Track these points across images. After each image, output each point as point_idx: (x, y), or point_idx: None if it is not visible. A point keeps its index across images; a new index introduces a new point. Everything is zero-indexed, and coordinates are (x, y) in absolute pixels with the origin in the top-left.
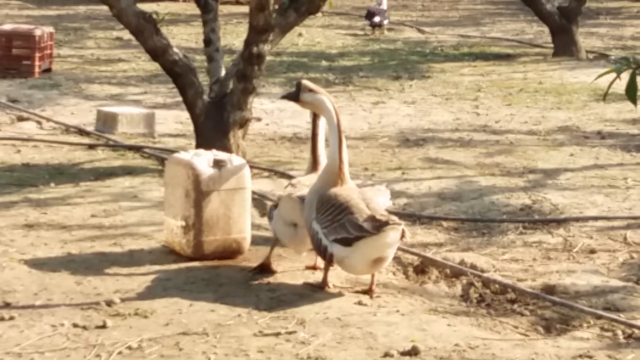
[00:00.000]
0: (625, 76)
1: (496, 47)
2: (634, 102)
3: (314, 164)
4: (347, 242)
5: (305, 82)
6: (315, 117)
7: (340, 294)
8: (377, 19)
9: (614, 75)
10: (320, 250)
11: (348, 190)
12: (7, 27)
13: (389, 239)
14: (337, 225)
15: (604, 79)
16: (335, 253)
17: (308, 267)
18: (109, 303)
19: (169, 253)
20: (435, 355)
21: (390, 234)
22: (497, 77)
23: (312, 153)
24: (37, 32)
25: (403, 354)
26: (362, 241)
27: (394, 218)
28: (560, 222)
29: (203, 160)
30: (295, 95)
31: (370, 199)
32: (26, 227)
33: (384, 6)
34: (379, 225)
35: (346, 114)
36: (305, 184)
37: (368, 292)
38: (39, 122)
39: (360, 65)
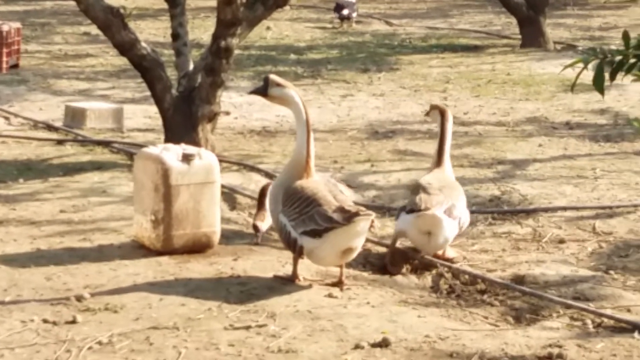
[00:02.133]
0: (593, 67)
1: (464, 38)
2: (601, 92)
3: (438, 161)
4: (316, 234)
5: (273, 76)
6: (443, 119)
7: (310, 287)
8: (345, 11)
9: (581, 66)
10: (289, 243)
11: (314, 183)
12: None
13: (359, 229)
14: (305, 217)
15: (572, 70)
16: (304, 245)
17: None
18: (79, 298)
19: (138, 247)
20: (405, 347)
21: (361, 224)
22: (465, 69)
23: (438, 151)
24: (4, 28)
25: (374, 345)
26: (332, 232)
27: (363, 209)
28: (529, 212)
29: (172, 154)
30: (263, 90)
31: (337, 190)
32: None
33: None
34: (349, 216)
35: (315, 107)
36: (436, 187)
37: (338, 284)
38: (6, 118)
39: (328, 58)
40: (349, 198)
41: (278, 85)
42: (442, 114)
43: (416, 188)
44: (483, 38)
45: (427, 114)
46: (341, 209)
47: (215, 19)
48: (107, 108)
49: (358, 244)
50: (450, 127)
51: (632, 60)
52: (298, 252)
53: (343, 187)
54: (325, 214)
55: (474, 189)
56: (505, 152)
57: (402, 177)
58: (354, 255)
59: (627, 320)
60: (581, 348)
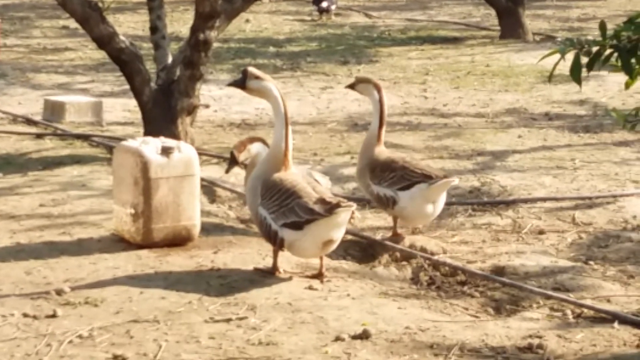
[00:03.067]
0: (571, 57)
1: (443, 30)
2: (578, 82)
3: (378, 139)
4: (297, 226)
5: (251, 69)
6: (380, 94)
7: (290, 279)
8: (324, 4)
9: (558, 56)
10: (270, 235)
11: (293, 175)
12: None
13: (340, 220)
14: (285, 209)
15: (550, 60)
16: (285, 237)
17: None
18: (59, 292)
19: (118, 241)
20: (386, 339)
21: (342, 215)
22: (444, 61)
23: (379, 128)
24: None
25: (354, 337)
26: (314, 224)
27: (344, 200)
28: (509, 203)
29: (151, 147)
30: (241, 83)
31: (315, 183)
32: None
33: None
34: (330, 208)
35: (294, 99)
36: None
37: (319, 276)
38: None
39: (307, 50)
40: (327, 189)
41: (256, 77)
42: (378, 89)
43: (393, 163)
44: (462, 30)
45: (353, 86)
46: (322, 201)
47: (194, 12)
48: (87, 102)
49: (338, 236)
50: (385, 102)
51: (609, 51)
52: (279, 244)
53: (320, 176)
54: (306, 205)
55: None
56: (484, 144)
57: None
58: (334, 246)
59: (607, 311)
60: (561, 338)
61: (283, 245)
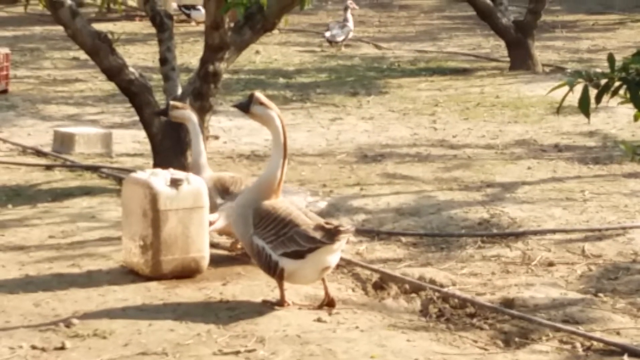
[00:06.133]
0: (580, 89)
1: (453, 61)
2: (587, 115)
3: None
4: (298, 255)
5: (258, 94)
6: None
7: (299, 311)
8: (327, 34)
9: (567, 88)
10: (270, 266)
11: (285, 203)
12: None
13: (342, 245)
14: (284, 239)
15: (559, 92)
16: (285, 267)
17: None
18: (68, 324)
19: (127, 273)
20: None
21: (344, 241)
22: (454, 92)
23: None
24: None
25: None
26: (317, 252)
27: (343, 224)
28: (519, 235)
29: (160, 179)
30: (246, 106)
31: (304, 209)
32: None
33: (350, 25)
34: (332, 235)
35: (304, 130)
36: None
37: (330, 302)
38: None
39: (317, 82)
40: (315, 214)
41: (261, 104)
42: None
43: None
44: (472, 61)
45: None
46: (321, 228)
47: (204, 44)
48: (96, 133)
49: (337, 260)
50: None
51: (617, 83)
52: (279, 274)
53: (309, 196)
54: (307, 234)
55: (463, 212)
56: (494, 175)
57: (391, 200)
58: (330, 271)
59: (617, 343)
60: None
61: (283, 276)
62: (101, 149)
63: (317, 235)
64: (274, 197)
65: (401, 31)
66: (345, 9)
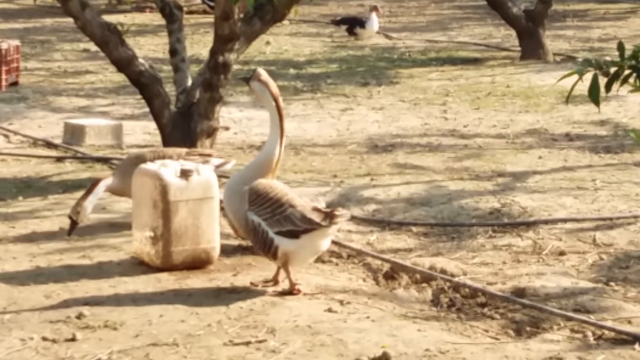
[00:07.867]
0: (590, 78)
1: (464, 51)
2: (597, 104)
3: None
4: (294, 235)
5: (260, 71)
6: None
7: (309, 301)
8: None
9: (577, 77)
10: (265, 242)
11: (280, 184)
12: None
13: (336, 230)
14: (279, 217)
15: (570, 81)
16: (280, 245)
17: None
18: (78, 316)
19: (138, 264)
20: None
21: (339, 225)
22: (465, 82)
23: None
24: (4, 46)
25: None
26: (312, 233)
27: (339, 209)
28: (530, 224)
29: (170, 170)
30: (247, 80)
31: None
32: None
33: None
34: (328, 218)
35: (314, 121)
36: None
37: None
38: (6, 136)
39: (328, 72)
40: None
41: (259, 80)
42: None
43: None
44: (482, 50)
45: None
46: (317, 210)
47: (214, 35)
48: (107, 124)
49: (328, 245)
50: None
51: (627, 72)
52: (272, 253)
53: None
54: (303, 214)
55: (474, 201)
56: (505, 165)
57: (402, 190)
58: (318, 255)
59: (628, 332)
60: None
61: (277, 254)
62: (112, 141)
63: (314, 216)
64: (271, 177)
65: (412, 21)
66: (373, 9)
